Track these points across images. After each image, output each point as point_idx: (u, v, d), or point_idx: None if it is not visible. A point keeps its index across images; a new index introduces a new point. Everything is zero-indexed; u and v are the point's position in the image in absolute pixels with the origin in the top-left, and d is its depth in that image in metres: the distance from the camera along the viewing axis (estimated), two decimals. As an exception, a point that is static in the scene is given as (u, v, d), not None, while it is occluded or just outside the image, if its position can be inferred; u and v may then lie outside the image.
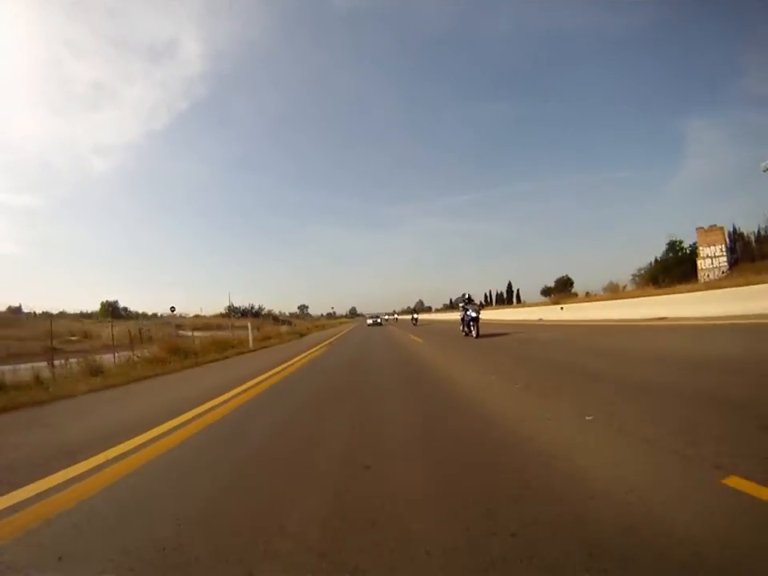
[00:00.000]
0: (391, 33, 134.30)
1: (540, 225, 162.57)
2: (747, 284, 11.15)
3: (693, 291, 13.63)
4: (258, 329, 24.15)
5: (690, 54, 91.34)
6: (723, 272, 28.69)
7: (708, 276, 29.70)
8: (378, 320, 38.59)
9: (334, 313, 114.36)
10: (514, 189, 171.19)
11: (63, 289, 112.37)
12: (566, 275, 64.51)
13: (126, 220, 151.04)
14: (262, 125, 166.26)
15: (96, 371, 8.01)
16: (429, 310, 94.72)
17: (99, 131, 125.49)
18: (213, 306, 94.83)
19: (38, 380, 6.84)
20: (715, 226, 33.48)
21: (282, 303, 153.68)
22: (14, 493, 2.16)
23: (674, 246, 35.87)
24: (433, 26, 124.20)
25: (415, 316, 29.39)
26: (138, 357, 10.17)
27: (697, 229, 34.76)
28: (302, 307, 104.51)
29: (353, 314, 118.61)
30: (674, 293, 14.65)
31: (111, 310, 50.81)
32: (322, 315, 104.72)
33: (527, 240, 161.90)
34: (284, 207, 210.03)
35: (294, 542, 1.48)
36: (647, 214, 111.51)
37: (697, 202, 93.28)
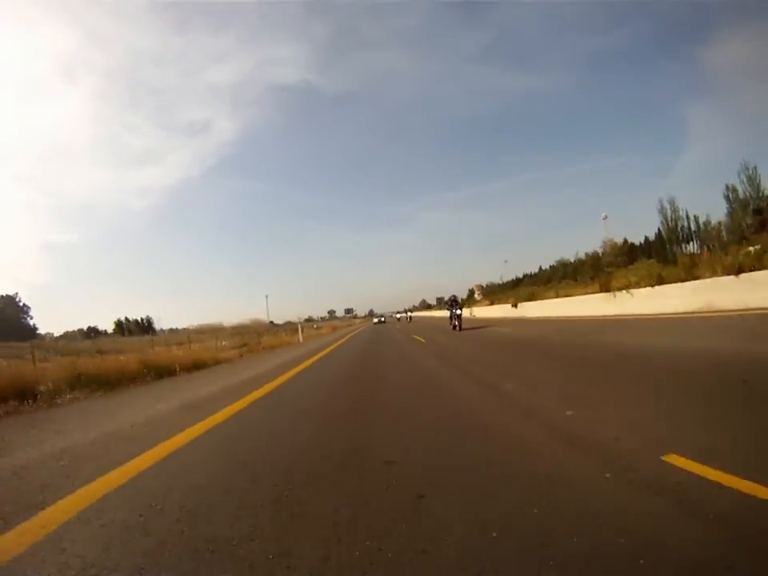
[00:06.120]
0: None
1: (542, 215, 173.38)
2: (489, 303, 56.63)
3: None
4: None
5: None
6: (480, 299, 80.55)
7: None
8: (383, 318, 56.47)
9: (355, 315, 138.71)
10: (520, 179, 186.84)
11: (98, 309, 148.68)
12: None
13: (158, 246, 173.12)
14: (283, 154, 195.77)
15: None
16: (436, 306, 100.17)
17: (141, 181, 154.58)
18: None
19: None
20: (481, 284, 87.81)
21: (311, 309, 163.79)
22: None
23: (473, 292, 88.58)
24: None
25: (458, 312, 16.23)
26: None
27: (474, 285, 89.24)
28: (331, 312, 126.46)
29: (370, 314, 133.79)
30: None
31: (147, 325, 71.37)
32: (344, 316, 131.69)
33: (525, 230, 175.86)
34: (307, 215, 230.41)
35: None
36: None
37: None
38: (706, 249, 34.11)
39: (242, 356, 15.64)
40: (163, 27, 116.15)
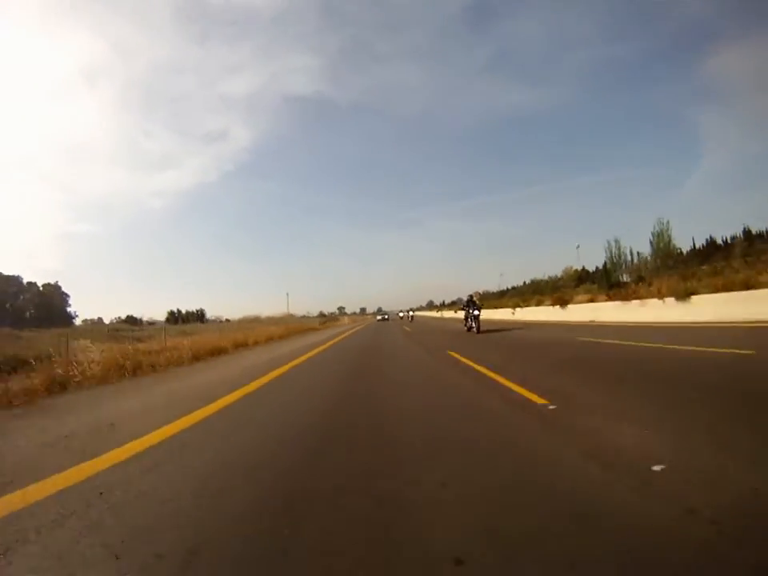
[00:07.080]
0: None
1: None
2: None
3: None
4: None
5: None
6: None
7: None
8: (386, 316, 57.68)
9: (366, 312, 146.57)
10: (532, 190, 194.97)
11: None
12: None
13: (174, 245, 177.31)
14: (299, 160, 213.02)
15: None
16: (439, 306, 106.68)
17: (159, 183, 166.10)
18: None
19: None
20: (479, 291, 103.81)
21: (322, 306, 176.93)
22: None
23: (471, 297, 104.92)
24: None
25: (475, 312, 14.83)
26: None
27: (473, 292, 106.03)
28: (341, 308, 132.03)
29: (378, 311, 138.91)
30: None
31: (201, 315, 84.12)
32: (354, 313, 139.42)
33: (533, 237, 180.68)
34: (318, 215, 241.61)
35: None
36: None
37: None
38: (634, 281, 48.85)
39: (324, 327, 31.53)
40: (184, 38, 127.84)
